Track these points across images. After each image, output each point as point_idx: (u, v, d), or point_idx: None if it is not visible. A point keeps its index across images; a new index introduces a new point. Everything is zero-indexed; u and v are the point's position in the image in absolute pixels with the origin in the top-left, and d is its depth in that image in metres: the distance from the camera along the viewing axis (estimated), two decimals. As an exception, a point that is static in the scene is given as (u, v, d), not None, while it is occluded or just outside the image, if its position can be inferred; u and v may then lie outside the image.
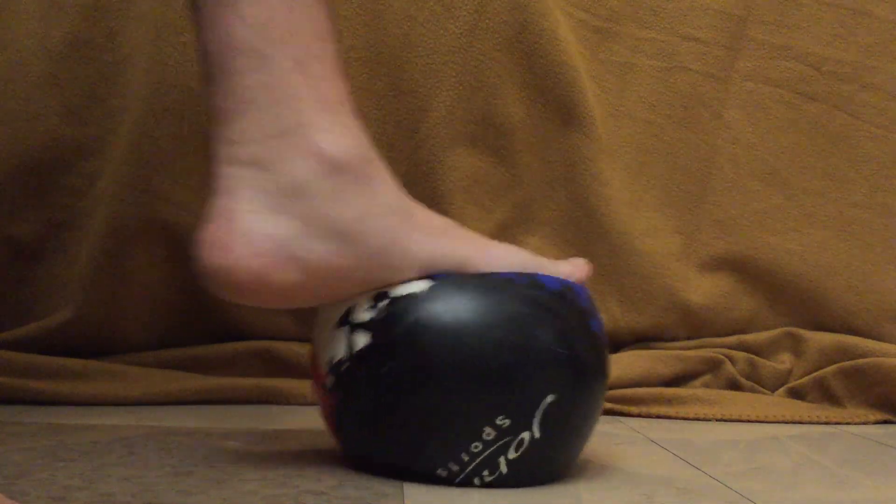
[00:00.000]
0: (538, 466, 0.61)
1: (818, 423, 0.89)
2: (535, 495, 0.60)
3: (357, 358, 0.59)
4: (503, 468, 0.60)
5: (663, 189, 1.03)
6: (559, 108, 0.99)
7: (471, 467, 0.59)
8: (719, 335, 1.02)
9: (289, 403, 0.88)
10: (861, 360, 0.93)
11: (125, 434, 0.73)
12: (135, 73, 0.93)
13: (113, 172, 0.92)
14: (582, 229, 1.00)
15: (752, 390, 0.98)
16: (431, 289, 0.59)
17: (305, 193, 0.58)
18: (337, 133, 0.59)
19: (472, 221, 0.98)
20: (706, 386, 0.98)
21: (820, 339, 0.99)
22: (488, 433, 0.59)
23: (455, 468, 0.59)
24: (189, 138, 0.91)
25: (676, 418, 0.90)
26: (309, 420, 0.82)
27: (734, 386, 0.98)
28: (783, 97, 1.03)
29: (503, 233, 0.99)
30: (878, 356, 0.93)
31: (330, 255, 0.58)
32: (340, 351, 0.60)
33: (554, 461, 0.62)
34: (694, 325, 1.02)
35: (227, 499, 0.56)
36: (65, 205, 0.95)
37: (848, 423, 0.89)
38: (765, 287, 1.03)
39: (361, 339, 0.59)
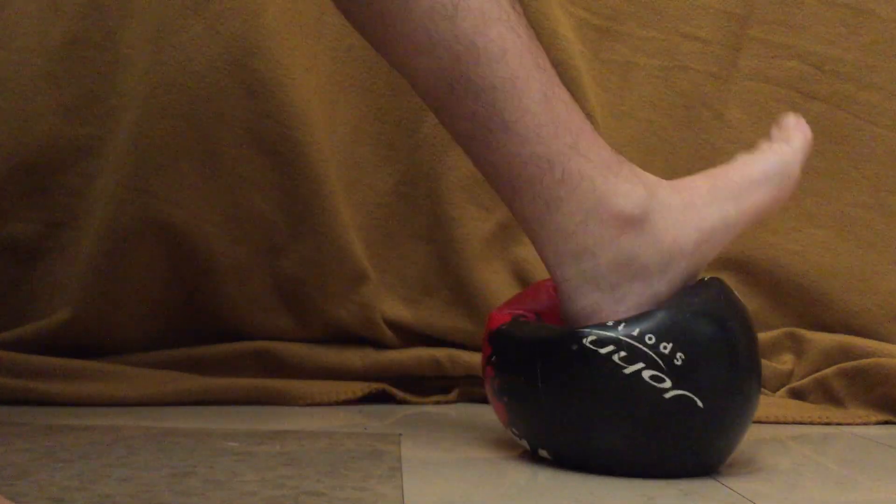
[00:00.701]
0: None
1: (819, 423, 0.89)
2: (535, 496, 0.60)
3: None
4: None
5: (664, 189, 1.02)
6: (560, 107, 0.98)
7: None
8: (720, 335, 1.02)
9: (288, 404, 0.88)
10: (862, 361, 0.93)
11: (124, 435, 0.72)
12: (133, 73, 0.93)
13: (111, 172, 0.92)
14: (582, 229, 1.00)
15: (754, 391, 0.98)
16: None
17: (631, 258, 0.66)
18: (626, 192, 0.66)
19: (472, 221, 0.97)
20: (707, 386, 0.97)
21: (821, 340, 0.99)
22: None
23: None
24: (187, 138, 0.91)
25: (677, 419, 0.90)
26: (308, 421, 0.82)
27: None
28: (784, 96, 1.03)
29: (503, 233, 0.99)
30: (879, 356, 0.93)
31: (671, 282, 0.67)
32: None
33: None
34: (695, 325, 1.02)
35: (227, 499, 0.56)
36: (63, 204, 0.94)
37: (849, 424, 0.89)
38: (766, 287, 1.03)
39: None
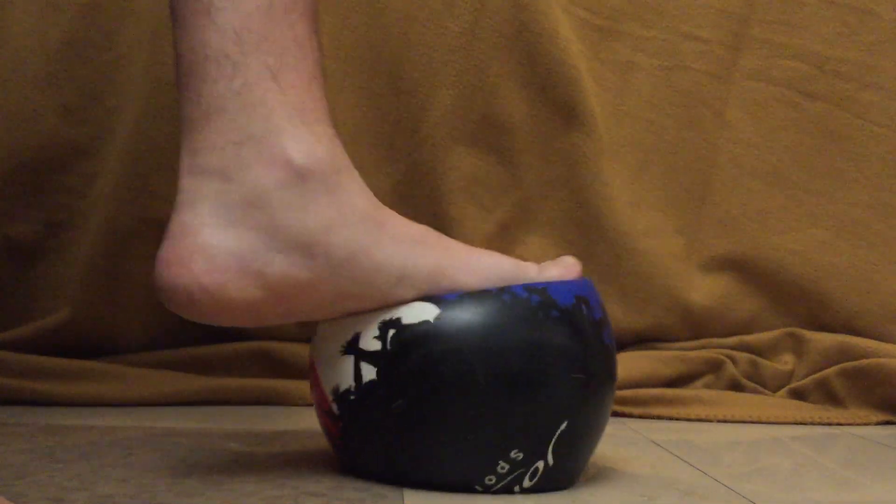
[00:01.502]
0: (551, 485, 0.60)
1: (820, 423, 0.89)
2: (535, 499, 0.60)
3: (365, 390, 0.58)
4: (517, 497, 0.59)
5: (664, 189, 1.03)
6: (560, 107, 0.98)
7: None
8: (721, 336, 1.02)
9: (288, 404, 0.88)
10: (863, 361, 0.93)
11: (124, 435, 0.72)
12: (133, 73, 0.93)
13: (111, 172, 0.92)
14: (582, 229, 1.00)
15: (754, 391, 0.98)
16: (439, 318, 0.57)
17: (267, 203, 0.55)
18: (305, 141, 0.56)
19: (472, 221, 0.97)
20: (708, 387, 0.97)
21: (822, 340, 0.98)
22: (502, 466, 0.58)
23: None
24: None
25: (678, 419, 0.90)
26: (308, 421, 0.82)
27: (736, 387, 0.98)
28: (785, 96, 1.03)
29: (503, 233, 0.99)
30: (880, 357, 0.93)
31: (292, 268, 0.56)
32: (347, 380, 0.58)
33: (567, 478, 0.61)
34: (695, 325, 1.02)
35: (226, 500, 0.55)
36: (62, 204, 0.94)
37: (850, 424, 0.89)
38: (766, 287, 1.03)
39: (369, 372, 0.58)
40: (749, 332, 1.02)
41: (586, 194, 0.99)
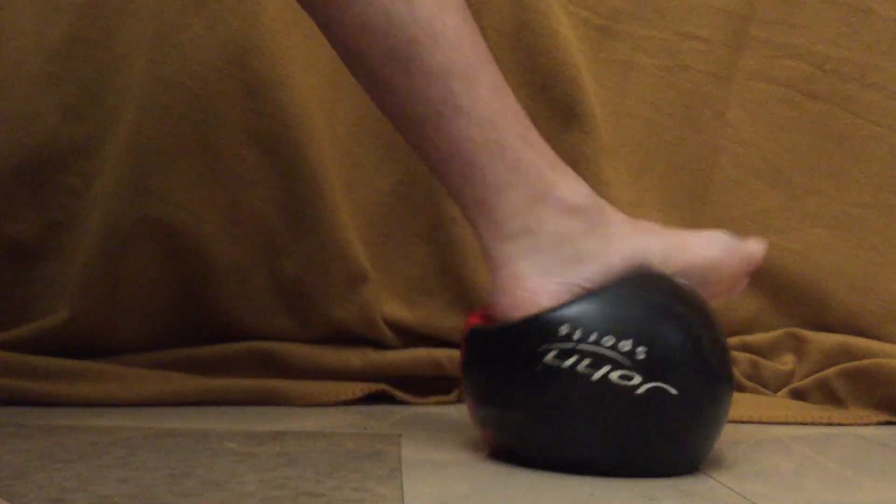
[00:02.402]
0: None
1: (820, 423, 0.89)
2: (535, 497, 0.60)
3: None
4: None
5: (665, 189, 1.02)
6: (560, 107, 0.98)
7: None
8: (721, 335, 1.02)
9: (288, 404, 0.88)
10: (864, 361, 0.93)
11: (123, 435, 0.72)
12: (133, 72, 0.93)
13: (111, 172, 0.92)
14: (583, 229, 0.99)
15: (755, 391, 0.98)
16: None
17: (569, 240, 0.68)
18: (570, 185, 0.69)
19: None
20: (708, 387, 0.97)
21: (822, 340, 0.98)
22: None
23: None
24: (187, 138, 0.91)
25: (678, 419, 0.90)
26: (308, 421, 0.82)
27: (736, 387, 0.98)
28: (786, 96, 1.03)
29: (504, 233, 0.99)
30: (881, 357, 0.93)
31: (595, 278, 0.67)
32: None
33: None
34: (695, 325, 1.01)
35: (226, 501, 0.55)
36: (62, 204, 0.94)
37: (850, 425, 0.89)
38: (767, 287, 1.03)
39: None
40: (749, 332, 1.02)
41: (586, 194, 0.99)
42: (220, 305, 0.94)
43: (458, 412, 0.89)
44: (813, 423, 0.89)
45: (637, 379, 0.63)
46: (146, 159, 0.90)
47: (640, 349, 0.63)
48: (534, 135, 0.70)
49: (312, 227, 0.92)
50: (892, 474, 0.72)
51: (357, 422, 0.83)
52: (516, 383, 0.66)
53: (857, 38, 1.03)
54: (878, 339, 0.99)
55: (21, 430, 0.73)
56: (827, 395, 0.95)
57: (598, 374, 0.63)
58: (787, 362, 1.00)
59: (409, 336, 0.96)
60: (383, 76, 0.69)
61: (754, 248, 0.73)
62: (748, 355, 1.00)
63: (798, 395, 0.97)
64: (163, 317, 0.94)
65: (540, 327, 0.65)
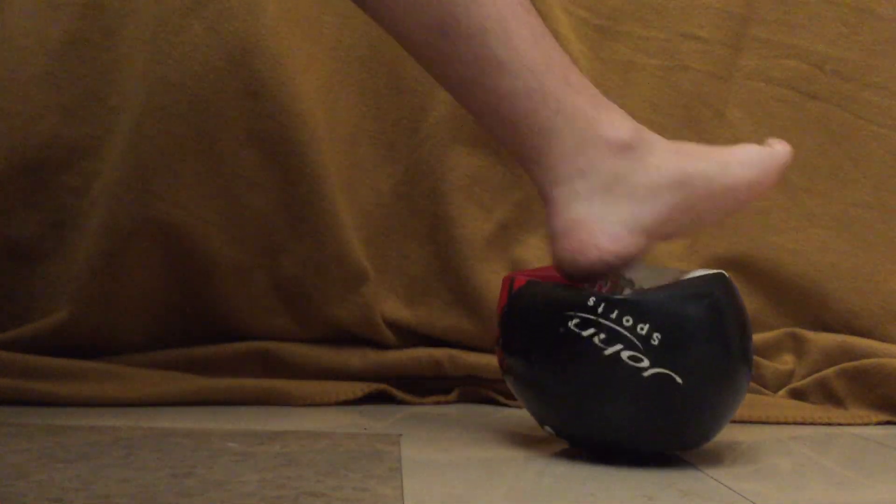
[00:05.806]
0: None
1: (820, 423, 0.89)
2: (535, 496, 0.60)
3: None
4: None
5: (664, 189, 1.02)
6: (560, 107, 0.98)
7: None
8: (721, 335, 1.02)
9: (288, 404, 0.88)
10: (863, 361, 0.93)
11: (123, 435, 0.72)
12: (133, 72, 0.93)
13: (111, 172, 0.92)
14: (583, 229, 0.99)
15: (755, 391, 0.98)
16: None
17: (621, 177, 0.71)
18: (614, 122, 0.72)
19: (471, 221, 0.97)
20: (708, 387, 0.97)
21: (822, 340, 0.98)
22: None
23: None
24: (187, 138, 0.91)
25: (678, 419, 0.90)
26: (308, 421, 0.82)
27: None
28: (786, 96, 1.03)
29: (503, 233, 0.99)
30: (880, 357, 0.93)
31: (656, 207, 0.71)
32: None
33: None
34: (695, 325, 1.01)
35: (226, 500, 0.55)
36: (62, 204, 0.94)
37: (850, 424, 0.89)
38: (767, 287, 1.03)
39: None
40: (749, 332, 1.02)
41: (586, 194, 0.99)
42: (220, 305, 0.94)
43: (458, 412, 0.89)
44: (812, 423, 0.89)
45: (646, 362, 0.65)
46: (146, 159, 0.90)
47: (656, 335, 0.65)
48: (575, 76, 0.72)
49: (312, 227, 0.92)
50: (891, 474, 0.72)
51: (357, 422, 0.83)
52: (542, 347, 0.68)
53: (857, 38, 1.03)
54: (878, 339, 0.99)
55: (21, 430, 0.73)
56: (827, 395, 0.95)
57: (610, 350, 0.66)
58: (786, 362, 1.00)
59: (409, 336, 0.96)
60: (428, 44, 0.71)
61: (782, 152, 0.75)
62: (748, 355, 1.00)
63: (798, 394, 0.97)
64: (163, 316, 0.94)
65: (575, 294, 0.68)
